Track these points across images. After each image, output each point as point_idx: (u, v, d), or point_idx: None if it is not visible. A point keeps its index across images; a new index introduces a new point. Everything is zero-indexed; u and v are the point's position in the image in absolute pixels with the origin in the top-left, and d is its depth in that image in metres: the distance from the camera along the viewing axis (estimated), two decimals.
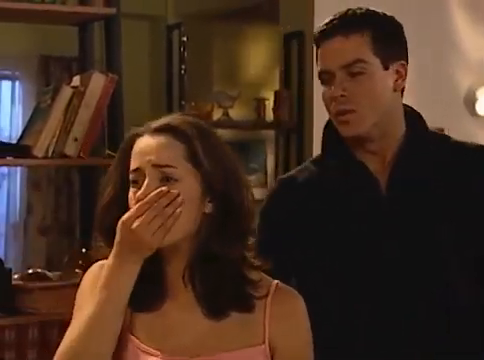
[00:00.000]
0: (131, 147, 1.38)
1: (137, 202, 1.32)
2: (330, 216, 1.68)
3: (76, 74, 2.71)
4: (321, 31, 1.66)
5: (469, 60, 4.23)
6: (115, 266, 1.33)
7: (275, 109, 4.09)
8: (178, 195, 1.31)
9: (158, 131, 1.37)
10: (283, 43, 4.10)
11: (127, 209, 1.35)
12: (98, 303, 1.33)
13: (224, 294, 1.36)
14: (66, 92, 2.56)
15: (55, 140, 2.55)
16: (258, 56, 5.36)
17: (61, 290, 2.49)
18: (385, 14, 1.69)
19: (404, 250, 1.65)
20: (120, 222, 1.32)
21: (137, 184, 1.35)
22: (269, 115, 4.27)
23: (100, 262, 1.42)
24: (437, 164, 1.70)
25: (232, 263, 1.37)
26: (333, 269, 1.67)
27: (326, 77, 1.65)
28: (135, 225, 1.30)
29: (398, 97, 1.69)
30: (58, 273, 2.63)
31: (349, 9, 1.67)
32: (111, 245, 1.37)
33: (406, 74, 1.68)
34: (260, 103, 4.35)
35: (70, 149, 2.57)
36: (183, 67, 4.02)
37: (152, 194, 1.31)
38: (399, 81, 1.66)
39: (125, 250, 1.32)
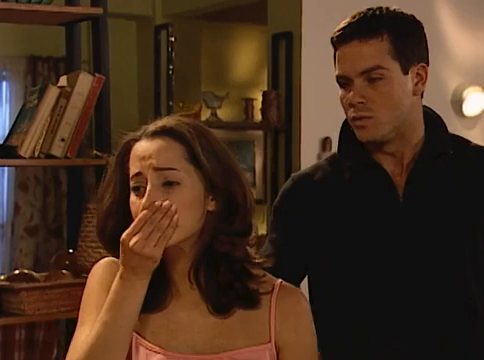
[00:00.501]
0: (128, 152, 1.38)
1: (143, 210, 1.31)
2: (343, 216, 1.65)
3: (63, 74, 2.71)
4: (339, 34, 1.60)
5: (456, 62, 4.25)
6: (123, 287, 1.32)
7: (263, 109, 4.09)
8: (171, 206, 1.30)
9: (156, 134, 1.37)
10: (271, 43, 4.10)
11: (128, 215, 1.35)
12: (108, 324, 1.31)
13: (229, 291, 1.37)
14: (53, 92, 2.55)
15: (42, 140, 2.54)
16: (246, 56, 5.37)
17: (48, 291, 2.48)
18: (404, 13, 1.62)
19: (416, 255, 1.62)
20: (121, 241, 1.31)
21: (138, 190, 1.34)
22: (257, 115, 4.27)
23: (105, 259, 1.42)
24: (458, 169, 1.66)
25: (236, 259, 1.37)
26: (344, 269, 1.64)
27: (344, 81, 1.60)
28: (132, 242, 1.29)
29: (418, 100, 1.63)
30: (45, 274, 2.62)
31: (369, 9, 1.60)
32: (113, 253, 1.38)
33: (427, 76, 1.62)
34: (248, 103, 4.35)
35: (57, 149, 2.56)
36: (171, 67, 4.01)
37: (144, 212, 1.30)
38: (419, 84, 1.61)
39: (129, 270, 1.31)
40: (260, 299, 1.39)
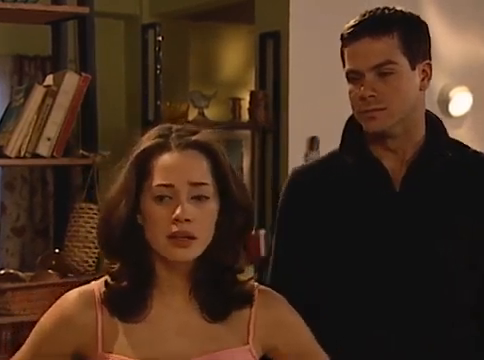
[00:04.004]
0: (149, 161, 1.37)
1: (175, 221, 1.33)
2: (343, 211, 1.71)
3: (50, 73, 2.70)
4: (350, 31, 1.67)
5: (442, 62, 4.26)
6: None
7: (251, 109, 4.09)
8: None
9: (188, 146, 1.37)
10: (259, 43, 4.10)
11: (136, 223, 1.36)
12: None
13: (227, 297, 1.40)
14: (39, 91, 2.54)
15: (28, 140, 2.53)
16: (233, 56, 5.37)
17: (34, 291, 2.47)
18: (412, 13, 1.71)
19: (408, 249, 1.67)
20: None
21: (163, 199, 1.34)
22: (244, 115, 4.27)
23: (75, 293, 1.41)
24: (455, 172, 1.71)
25: (232, 266, 1.40)
26: (344, 263, 1.69)
27: (354, 76, 1.67)
28: None
29: (423, 96, 1.71)
30: (31, 274, 2.60)
31: (377, 8, 1.68)
32: (112, 259, 1.39)
33: (431, 73, 1.70)
34: (236, 103, 4.35)
35: (43, 149, 2.55)
36: (158, 67, 4.01)
37: None
38: (425, 81, 1.69)
39: None
40: (251, 300, 1.42)
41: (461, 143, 1.79)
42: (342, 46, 1.70)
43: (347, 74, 1.69)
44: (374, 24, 1.65)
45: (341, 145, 1.77)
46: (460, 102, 4.30)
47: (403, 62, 1.66)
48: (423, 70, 1.69)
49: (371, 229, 1.69)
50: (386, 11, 1.68)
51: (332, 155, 1.78)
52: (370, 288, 1.68)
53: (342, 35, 1.69)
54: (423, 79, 1.69)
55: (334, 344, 1.53)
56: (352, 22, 1.68)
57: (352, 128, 1.74)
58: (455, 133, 4.44)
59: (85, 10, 2.68)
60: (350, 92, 1.69)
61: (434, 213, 1.69)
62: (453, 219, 1.69)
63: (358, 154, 1.72)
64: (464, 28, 4.38)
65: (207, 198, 1.36)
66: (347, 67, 1.68)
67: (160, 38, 4.01)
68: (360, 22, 1.67)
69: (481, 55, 4.41)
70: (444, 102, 4.29)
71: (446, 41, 4.32)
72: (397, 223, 1.68)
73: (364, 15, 1.68)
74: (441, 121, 1.78)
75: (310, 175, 1.76)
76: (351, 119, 1.76)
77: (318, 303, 1.68)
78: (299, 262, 1.72)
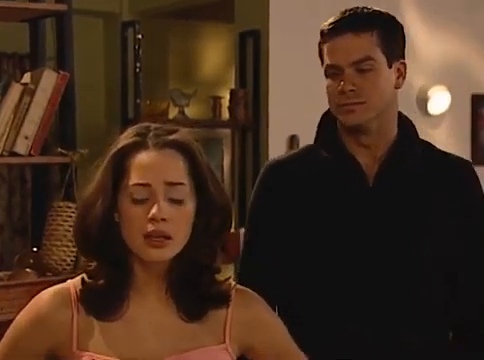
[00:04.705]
0: (126, 159, 1.36)
1: (151, 220, 1.32)
2: (316, 205, 1.72)
3: (28, 71, 2.68)
4: (331, 27, 1.69)
5: (421, 61, 4.29)
6: None
7: (231, 107, 4.08)
8: None
9: (166, 146, 1.36)
10: (238, 42, 4.10)
11: (112, 221, 1.35)
12: None
13: (204, 297, 1.39)
14: (16, 89, 2.52)
15: (5, 138, 2.51)
16: (213, 54, 5.36)
17: (11, 290, 2.46)
18: (389, 14, 1.75)
19: (384, 244, 1.70)
20: None
21: (141, 200, 1.34)
22: (225, 113, 4.27)
23: (50, 292, 1.40)
24: (425, 170, 1.76)
25: (209, 265, 1.40)
26: (317, 257, 1.71)
27: (334, 71, 1.70)
28: None
29: (397, 94, 1.75)
30: (8, 273, 2.59)
31: (357, 7, 1.72)
32: (89, 257, 1.38)
33: (406, 72, 1.74)
34: (216, 101, 4.34)
35: (21, 147, 2.53)
36: (138, 65, 3.99)
37: None
38: (400, 79, 1.73)
39: None
40: (229, 298, 1.41)
41: (430, 143, 1.83)
42: (321, 42, 1.72)
43: (326, 69, 1.71)
44: (356, 21, 1.68)
45: (316, 139, 1.80)
46: (439, 101, 4.32)
47: (381, 59, 1.69)
48: (398, 69, 1.73)
49: (344, 224, 1.71)
50: (365, 10, 1.72)
51: (307, 150, 1.80)
52: (343, 282, 1.70)
53: (322, 31, 1.71)
54: (398, 77, 1.73)
55: (308, 341, 1.53)
56: (333, 18, 1.71)
57: (327, 123, 1.77)
58: (433, 132, 4.51)
59: (63, 7, 2.67)
60: (328, 87, 1.71)
61: (406, 209, 1.72)
62: (425, 216, 1.72)
63: (333, 149, 1.75)
64: (443, 28, 4.40)
65: (181, 201, 1.35)
66: (327, 62, 1.70)
67: (140, 36, 4.00)
68: (342, 18, 1.70)
69: (460, 55, 4.44)
70: (423, 101, 4.31)
71: (425, 41, 4.35)
72: (369, 218, 1.71)
73: (345, 12, 1.71)
74: (412, 121, 1.82)
75: (283, 169, 1.77)
76: (326, 114, 1.79)
77: (291, 299, 1.69)
78: (270, 258, 1.73)
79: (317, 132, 1.80)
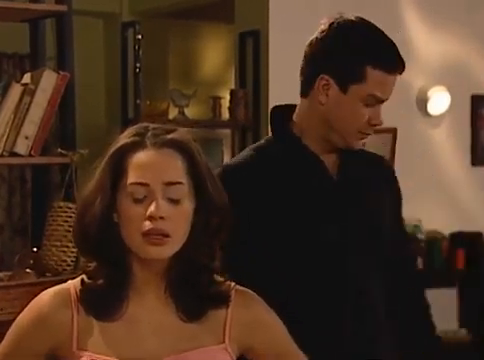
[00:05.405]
0: (124, 159, 1.36)
1: (149, 218, 1.33)
2: (284, 201, 1.73)
3: (28, 71, 2.68)
4: (396, 61, 1.71)
5: (421, 62, 4.29)
6: None
7: (231, 108, 4.09)
8: None
9: (164, 145, 1.37)
10: (238, 42, 4.10)
11: (111, 220, 1.35)
12: None
13: (204, 297, 1.39)
14: (16, 90, 2.52)
15: (5, 138, 2.51)
16: (213, 55, 5.37)
17: (11, 290, 2.46)
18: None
19: (348, 232, 1.74)
20: None
21: (140, 199, 1.34)
22: (225, 114, 4.27)
23: (50, 292, 1.40)
24: (367, 162, 1.85)
25: (208, 265, 1.40)
26: (289, 253, 1.71)
27: (374, 102, 1.71)
28: None
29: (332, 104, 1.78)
30: (9, 273, 2.59)
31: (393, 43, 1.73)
32: (88, 257, 1.39)
33: (329, 84, 1.74)
34: (216, 102, 4.35)
35: (21, 147, 2.54)
36: (138, 65, 4.00)
37: None
38: (323, 95, 1.77)
39: None
40: (228, 299, 1.42)
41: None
42: (371, 65, 1.68)
43: (366, 97, 1.70)
44: (403, 63, 1.71)
45: (274, 136, 1.80)
46: (438, 101, 4.32)
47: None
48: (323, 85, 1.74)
49: (314, 218, 1.72)
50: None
51: (259, 148, 1.80)
52: (318, 273, 1.71)
53: (379, 56, 1.69)
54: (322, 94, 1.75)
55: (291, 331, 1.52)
56: (391, 48, 1.70)
57: (279, 118, 1.79)
58: (433, 132, 4.51)
59: (63, 8, 2.67)
60: (363, 115, 1.70)
61: (364, 198, 1.78)
62: (381, 202, 1.81)
63: (290, 143, 1.76)
64: (443, 28, 4.40)
65: (179, 200, 1.35)
66: (376, 92, 1.69)
67: (140, 36, 4.00)
68: (398, 55, 1.70)
69: (460, 55, 4.44)
70: (423, 101, 4.31)
71: (425, 41, 4.35)
72: (338, 209, 1.74)
73: (393, 44, 1.71)
74: None
75: (242, 171, 1.76)
76: (275, 109, 1.81)
77: (274, 297, 1.68)
78: (248, 257, 1.71)
79: (275, 128, 1.80)
